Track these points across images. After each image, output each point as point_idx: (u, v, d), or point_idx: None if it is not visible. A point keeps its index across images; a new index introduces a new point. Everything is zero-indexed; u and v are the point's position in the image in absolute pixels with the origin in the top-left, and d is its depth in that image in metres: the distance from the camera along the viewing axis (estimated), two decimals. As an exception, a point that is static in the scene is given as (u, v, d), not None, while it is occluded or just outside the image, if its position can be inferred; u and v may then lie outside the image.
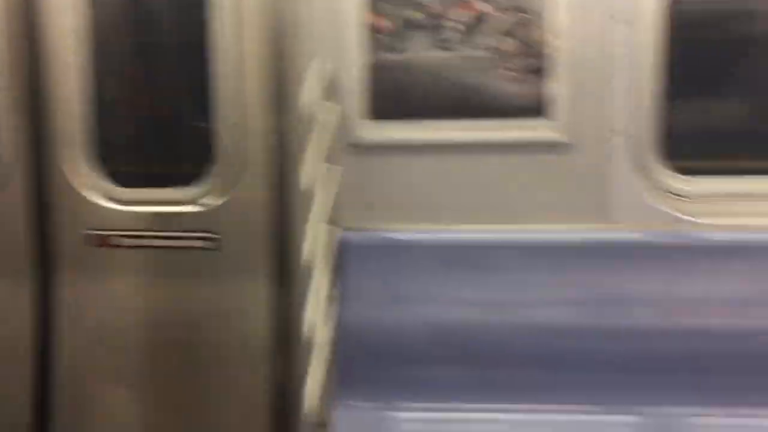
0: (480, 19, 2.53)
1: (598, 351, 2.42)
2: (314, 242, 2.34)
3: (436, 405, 2.40)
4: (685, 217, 2.51)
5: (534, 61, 2.51)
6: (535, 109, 2.53)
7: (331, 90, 2.55)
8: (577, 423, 2.35)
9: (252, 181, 2.62)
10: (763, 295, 2.41)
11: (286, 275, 2.62)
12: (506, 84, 2.53)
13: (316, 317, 2.30)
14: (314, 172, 2.36)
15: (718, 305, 2.43)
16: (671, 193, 2.55)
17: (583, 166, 2.53)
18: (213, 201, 2.69)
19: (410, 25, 2.55)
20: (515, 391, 2.40)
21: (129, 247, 2.71)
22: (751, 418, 2.30)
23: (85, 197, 2.72)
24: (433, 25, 2.55)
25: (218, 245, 2.68)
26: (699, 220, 2.51)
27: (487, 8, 2.53)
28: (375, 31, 2.56)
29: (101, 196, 2.74)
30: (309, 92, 2.34)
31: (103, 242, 2.72)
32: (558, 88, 2.50)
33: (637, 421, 2.35)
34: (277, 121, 2.60)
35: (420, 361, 2.45)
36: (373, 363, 2.46)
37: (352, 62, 2.56)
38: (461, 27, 2.54)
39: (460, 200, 2.59)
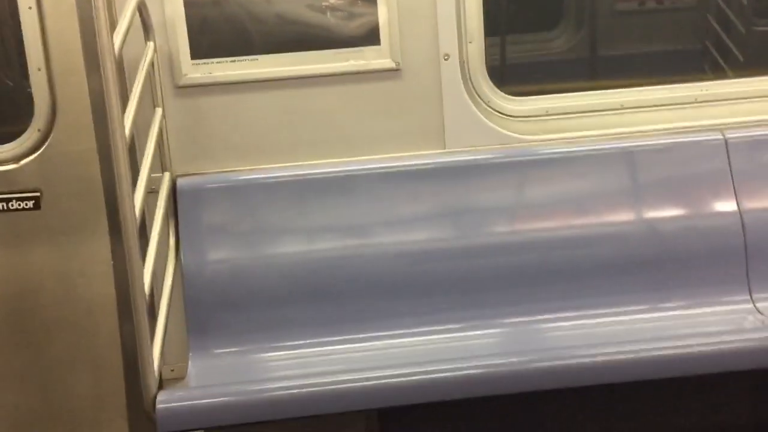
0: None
1: (455, 270, 2.48)
2: (147, 191, 2.23)
3: (295, 343, 2.38)
4: (517, 135, 2.60)
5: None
6: (364, 37, 2.50)
7: (150, 28, 2.39)
8: (442, 343, 2.40)
9: (68, 130, 2.43)
10: (590, 199, 2.56)
11: (121, 228, 2.48)
12: (334, 13, 2.48)
13: (162, 269, 2.21)
14: (139, 118, 2.22)
15: (554, 213, 2.55)
16: (501, 113, 2.62)
17: (416, 91, 2.54)
18: (29, 157, 2.48)
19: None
20: (378, 320, 2.42)
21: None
22: (598, 319, 2.45)
23: None
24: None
25: (41, 204, 2.49)
26: (529, 137, 2.61)
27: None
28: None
29: None
30: (125, 34, 2.18)
31: None
32: (386, 12, 2.48)
33: (501, 333, 2.43)
34: (92, 65, 2.41)
35: (274, 301, 2.42)
36: (225, 308, 2.40)
37: (171, 1, 2.40)
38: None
39: (296, 135, 2.55)
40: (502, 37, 3.57)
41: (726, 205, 2.56)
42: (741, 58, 3.75)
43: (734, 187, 2.56)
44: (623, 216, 2.57)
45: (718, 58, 3.84)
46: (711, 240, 2.54)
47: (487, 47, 2.63)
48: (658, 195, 2.58)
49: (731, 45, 3.82)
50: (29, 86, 2.43)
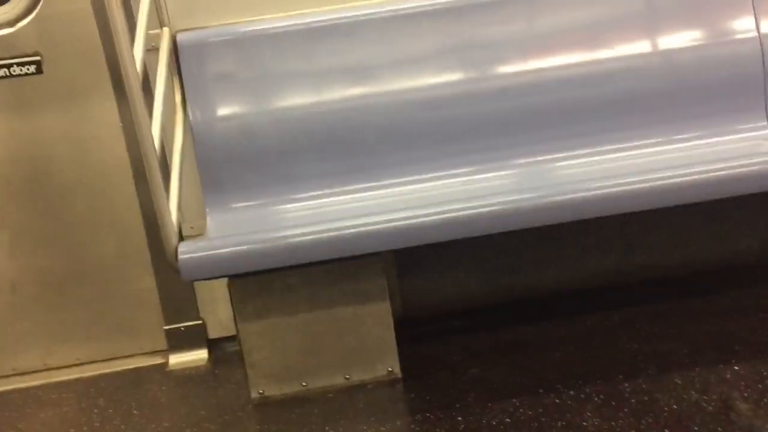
0: None
1: (466, 113, 2.43)
2: (147, 48, 2.18)
3: (311, 194, 2.38)
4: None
5: None
6: None
7: None
8: (456, 186, 2.39)
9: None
10: (601, 30, 2.47)
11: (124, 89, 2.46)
12: None
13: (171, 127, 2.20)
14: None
15: (564, 48, 2.47)
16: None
17: None
18: (24, 19, 2.43)
19: None
20: (390, 168, 2.41)
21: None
22: (613, 154, 2.43)
23: None
24: None
25: (42, 67, 2.46)
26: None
27: None
28: None
29: None
30: None
31: None
32: None
33: (515, 173, 2.41)
34: None
35: (286, 154, 2.40)
36: (238, 163, 2.40)
37: None
38: None
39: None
40: None
41: (745, 30, 2.45)
42: None
43: (754, 8, 2.45)
44: (636, 46, 2.48)
45: None
46: (729, 67, 2.46)
47: None
48: (671, 22, 2.48)
49: None
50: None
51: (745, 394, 2.11)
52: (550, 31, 2.49)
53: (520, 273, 2.66)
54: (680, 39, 2.49)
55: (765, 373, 2.17)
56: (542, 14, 2.50)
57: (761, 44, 2.44)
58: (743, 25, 2.46)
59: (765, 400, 2.08)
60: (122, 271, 2.65)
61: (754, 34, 2.45)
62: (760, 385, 2.13)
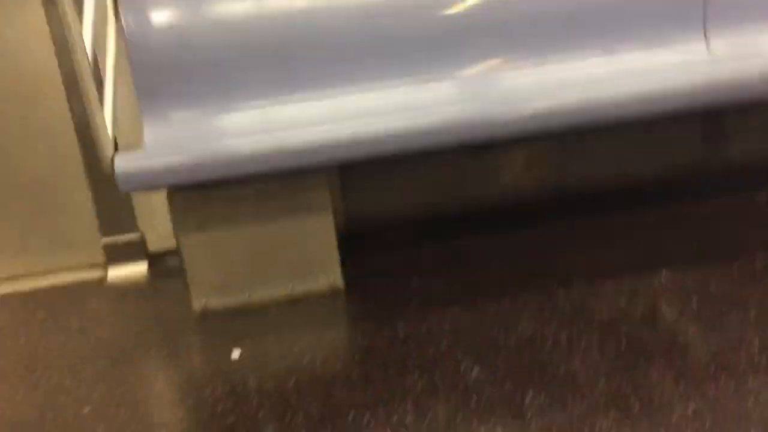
0: None
1: (412, 24, 2.36)
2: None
3: (252, 104, 2.31)
4: None
5: None
6: None
7: None
8: (401, 97, 2.33)
9: None
10: None
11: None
12: None
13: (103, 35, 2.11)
14: None
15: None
16: None
17: None
18: None
19: None
20: (333, 78, 2.32)
21: None
22: (553, 65, 2.41)
23: None
24: None
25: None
26: None
27: None
28: None
29: None
30: None
31: None
32: None
33: (457, 85, 2.36)
34: None
35: (225, 63, 2.31)
36: (175, 72, 2.30)
37: None
38: None
39: None
40: None
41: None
42: None
43: None
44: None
45: None
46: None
47: None
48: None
49: None
50: None
51: (671, 301, 2.22)
52: None
53: (462, 187, 2.69)
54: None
55: (689, 282, 2.29)
56: None
57: None
58: None
59: (689, 306, 2.20)
60: (56, 183, 2.59)
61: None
62: (684, 293, 2.25)
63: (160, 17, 2.34)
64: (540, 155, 2.69)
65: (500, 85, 2.41)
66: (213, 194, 2.24)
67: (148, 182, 2.10)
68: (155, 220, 2.65)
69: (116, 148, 2.10)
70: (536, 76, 2.40)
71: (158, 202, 2.53)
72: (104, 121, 2.05)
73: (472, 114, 2.20)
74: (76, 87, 2.26)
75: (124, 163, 2.04)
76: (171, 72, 2.33)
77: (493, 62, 2.43)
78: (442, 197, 2.70)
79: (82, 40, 1.98)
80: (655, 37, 2.46)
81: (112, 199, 2.58)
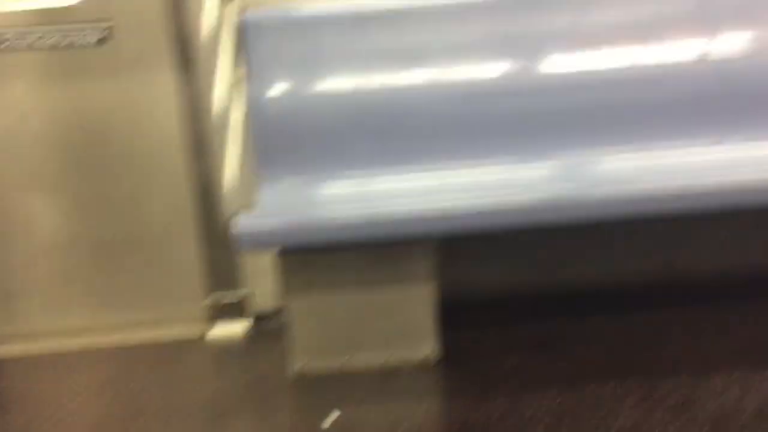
0: None
1: (514, 106, 2.46)
2: (214, 20, 2.22)
3: (360, 172, 2.42)
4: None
5: None
6: None
7: None
8: (502, 174, 2.41)
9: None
10: (653, 29, 2.48)
11: (189, 61, 2.51)
12: None
13: (225, 99, 2.24)
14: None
15: (615, 46, 2.49)
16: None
17: None
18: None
19: None
20: (434, 154, 2.43)
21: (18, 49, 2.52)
22: (661, 151, 2.43)
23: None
24: None
25: (108, 37, 2.52)
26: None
27: None
28: None
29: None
30: None
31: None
32: None
33: (561, 166, 2.42)
34: None
35: (337, 134, 2.44)
36: (291, 138, 2.44)
37: None
38: None
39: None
40: None
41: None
42: None
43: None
44: (686, 51, 2.48)
45: None
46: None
47: None
48: (724, 23, 2.48)
49: None
50: None
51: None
52: (600, 27, 2.51)
53: (565, 266, 2.67)
54: (731, 42, 2.49)
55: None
56: (590, 11, 2.51)
57: None
58: None
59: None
60: (170, 240, 2.70)
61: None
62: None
63: (283, 88, 2.49)
64: (647, 240, 2.66)
65: (601, 167, 2.44)
66: (319, 258, 2.30)
67: (262, 242, 2.18)
68: (258, 281, 2.73)
69: (234, 210, 2.19)
70: (640, 161, 2.41)
71: (263, 263, 2.62)
72: (227, 184, 2.15)
73: (572, 193, 2.22)
74: (196, 150, 2.40)
75: (242, 225, 2.13)
76: (288, 140, 2.46)
77: (594, 145, 2.46)
78: (544, 275, 2.69)
79: (214, 104, 2.11)
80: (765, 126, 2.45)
81: (220, 258, 2.67)
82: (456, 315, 2.56)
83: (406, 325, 2.37)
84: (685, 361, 2.30)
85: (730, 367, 2.25)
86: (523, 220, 2.20)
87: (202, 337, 2.70)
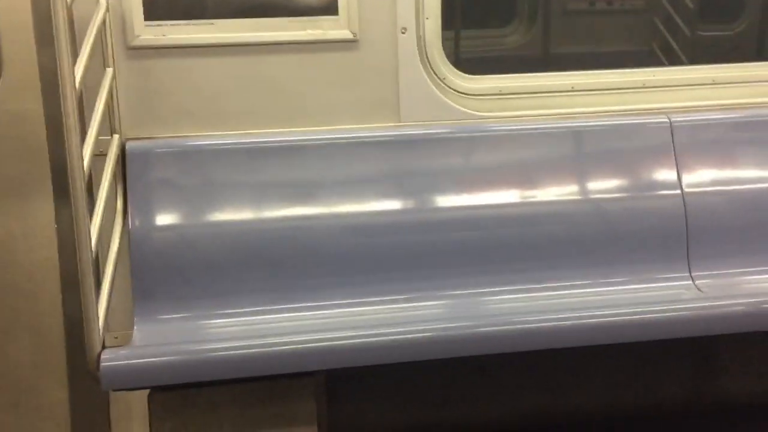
0: None
1: (404, 242, 2.49)
2: (95, 154, 2.19)
3: (244, 310, 2.35)
4: (470, 111, 2.63)
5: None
6: (322, 6, 2.50)
7: (104, -13, 2.35)
8: (390, 312, 2.40)
9: (13, 89, 2.37)
10: (538, 176, 2.60)
11: (67, 191, 2.43)
12: (292, -20, 2.47)
13: (108, 233, 2.18)
14: (89, 77, 2.18)
15: (502, 189, 2.59)
16: (456, 90, 2.65)
17: (373, 63, 2.55)
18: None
19: None
20: (326, 289, 2.41)
21: None
22: (542, 292, 2.49)
23: None
24: None
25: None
26: (482, 113, 2.64)
27: None
28: None
29: None
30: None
31: None
32: (345, -17, 2.48)
33: (448, 303, 2.44)
34: (41, 21, 2.36)
35: (222, 268, 2.38)
36: (173, 274, 2.36)
37: (126, -44, 2.37)
38: None
39: (251, 103, 2.53)
40: (456, 25, 3.63)
41: (669, 186, 2.62)
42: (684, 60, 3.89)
43: (677, 169, 2.63)
44: (570, 193, 2.62)
45: (663, 59, 3.98)
46: (653, 219, 2.61)
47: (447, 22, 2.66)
48: (604, 174, 2.64)
49: (676, 48, 3.95)
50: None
51: None
52: (491, 173, 2.62)
53: (450, 406, 2.62)
54: (610, 190, 2.64)
55: None
56: (485, 158, 2.63)
57: (684, 201, 2.61)
58: (667, 182, 2.63)
59: None
60: (35, 380, 2.51)
61: (678, 190, 2.62)
62: None
63: (164, 221, 2.44)
64: (533, 377, 2.66)
65: (490, 305, 2.47)
66: (196, 398, 2.18)
67: (131, 381, 2.05)
68: (130, 426, 2.54)
69: (104, 345, 2.07)
70: (525, 300, 2.47)
71: (136, 406, 2.45)
72: (97, 318, 2.04)
73: (457, 329, 2.23)
74: (71, 283, 2.27)
75: (109, 361, 2.00)
76: (168, 275, 2.38)
77: (481, 283, 2.50)
78: (430, 415, 2.62)
79: (89, 237, 2.03)
80: (642, 269, 2.56)
81: (89, 402, 2.49)
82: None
83: (287, 472, 2.24)
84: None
85: None
86: (407, 355, 2.17)
87: (64, 488, 2.47)
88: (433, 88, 2.61)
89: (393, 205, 2.55)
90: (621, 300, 2.46)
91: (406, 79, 2.58)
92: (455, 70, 2.66)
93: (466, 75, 2.68)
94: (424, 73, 2.59)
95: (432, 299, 2.45)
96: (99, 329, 2.03)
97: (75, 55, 2.16)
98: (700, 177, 2.65)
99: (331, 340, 2.12)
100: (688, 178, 2.63)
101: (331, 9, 2.50)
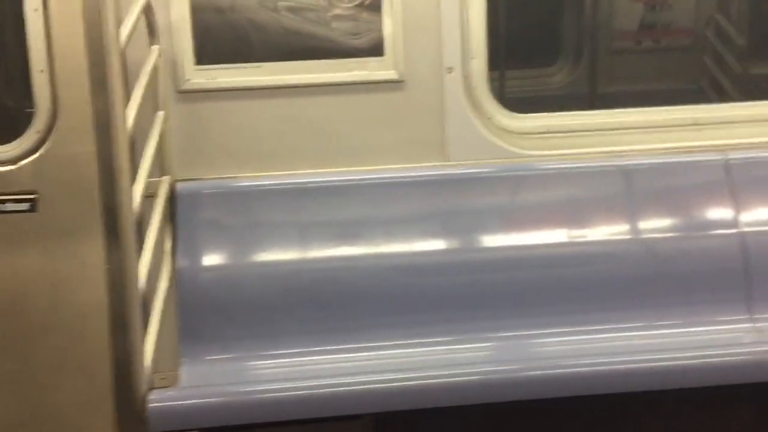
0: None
1: (450, 283, 2.46)
2: (145, 195, 2.21)
3: (289, 351, 2.34)
4: (517, 150, 2.61)
5: (364, -2, 2.50)
6: (368, 48, 2.52)
7: (155, 31, 2.40)
8: (436, 354, 2.36)
9: (68, 132, 2.42)
10: (588, 215, 2.55)
11: (118, 234, 2.46)
12: (339, 22, 2.50)
13: (156, 274, 2.20)
14: (140, 120, 2.22)
15: (551, 229, 2.54)
16: (503, 129, 2.63)
17: (419, 103, 2.55)
18: (27, 158, 2.47)
19: (235, -38, 2.46)
20: (371, 330, 2.38)
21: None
22: (593, 335, 2.42)
23: None
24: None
25: (36, 206, 2.47)
26: (529, 152, 2.61)
27: (314, -55, 2.48)
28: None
29: None
30: (130, 34, 2.19)
31: None
32: (391, 25, 2.50)
33: (495, 345, 2.39)
34: (96, 66, 2.42)
35: (268, 309, 2.38)
36: (219, 315, 2.37)
37: (177, 2, 2.42)
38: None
39: (297, 144, 2.55)
40: (502, 64, 3.62)
41: (726, 225, 2.55)
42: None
43: (735, 208, 2.56)
44: (621, 233, 2.56)
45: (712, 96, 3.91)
46: (710, 260, 2.53)
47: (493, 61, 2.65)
48: (656, 213, 2.58)
49: (726, 85, 3.88)
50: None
51: None
52: (539, 212, 2.58)
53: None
54: (663, 229, 2.57)
55: None
56: (532, 197, 2.60)
57: (743, 240, 2.52)
58: (724, 221, 2.56)
59: None
60: (83, 421, 2.51)
61: (735, 229, 2.54)
62: None
63: (212, 262, 2.45)
64: (581, 419, 2.58)
65: (538, 348, 2.41)
66: (241, 440, 2.16)
67: (178, 423, 2.04)
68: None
69: (151, 386, 2.07)
70: (575, 343, 2.40)
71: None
72: (143, 359, 2.04)
73: (505, 372, 2.19)
74: (119, 324, 2.29)
75: (156, 402, 2.00)
76: (214, 316, 2.39)
77: (530, 325, 2.45)
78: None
79: (138, 278, 2.04)
80: (697, 311, 2.48)
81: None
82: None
83: None
84: None
85: None
86: (456, 399, 2.13)
87: None
88: (480, 127, 2.59)
89: (439, 245, 2.53)
90: (675, 344, 2.37)
91: (452, 118, 2.57)
92: (501, 108, 2.65)
93: (514, 114, 2.67)
94: (471, 112, 2.58)
95: (477, 341, 2.40)
96: (146, 370, 2.03)
97: (127, 98, 2.21)
98: (759, 215, 2.57)
99: (378, 382, 2.09)
100: (746, 216, 2.55)
101: (377, 50, 2.52)
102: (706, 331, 2.43)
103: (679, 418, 2.56)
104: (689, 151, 2.66)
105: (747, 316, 2.46)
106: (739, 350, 2.22)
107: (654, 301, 2.49)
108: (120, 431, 2.50)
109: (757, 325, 2.44)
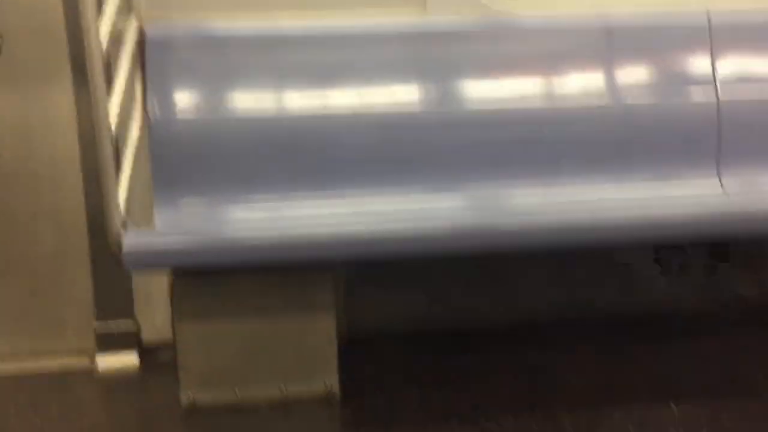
0: None
1: (425, 138, 2.44)
2: (113, 37, 2.14)
3: (262, 196, 2.33)
4: (498, 5, 2.53)
5: None
6: None
7: None
8: (409, 204, 2.38)
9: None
10: (567, 73, 2.53)
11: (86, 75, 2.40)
12: None
13: (123, 115, 2.15)
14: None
15: (529, 86, 2.52)
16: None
17: None
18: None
19: None
20: (346, 181, 2.37)
21: None
22: (567, 188, 2.45)
23: None
24: None
25: (1, 48, 2.40)
26: (511, 7, 2.54)
27: None
28: None
29: None
30: None
31: None
32: None
33: (469, 197, 2.41)
34: None
35: (241, 157, 2.36)
36: (192, 162, 2.34)
37: None
38: None
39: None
40: None
41: (704, 89, 2.53)
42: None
43: (713, 70, 2.53)
44: (600, 92, 2.52)
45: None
46: (684, 120, 2.53)
47: None
48: (636, 74, 2.54)
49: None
50: None
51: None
52: (518, 69, 2.53)
53: (469, 300, 2.64)
54: (641, 88, 2.55)
55: (701, 416, 2.19)
56: (512, 53, 2.53)
57: (718, 104, 2.52)
58: (702, 84, 2.53)
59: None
60: (58, 265, 2.55)
61: (712, 93, 2.52)
62: (695, 426, 2.15)
63: (184, 108, 2.40)
64: (551, 275, 2.67)
65: (511, 200, 2.43)
66: (216, 284, 2.21)
67: (153, 262, 2.07)
68: (152, 311, 2.60)
69: (125, 228, 2.09)
70: (547, 196, 2.43)
71: (157, 292, 2.49)
72: (117, 202, 2.04)
73: (477, 222, 2.21)
74: (92, 169, 2.27)
75: (132, 241, 2.02)
76: (188, 162, 2.37)
77: (502, 179, 2.46)
78: (449, 309, 2.66)
79: (108, 122, 2.01)
80: (669, 168, 2.50)
81: (112, 284, 2.53)
82: (357, 349, 2.49)
83: (304, 356, 2.28)
84: (584, 398, 2.29)
85: (628, 405, 2.25)
86: (428, 248, 2.17)
87: (89, 368, 2.54)
88: None
89: (416, 98, 2.49)
90: (644, 200, 2.41)
91: None
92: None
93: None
94: None
95: (452, 194, 2.42)
96: (120, 212, 2.04)
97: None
98: (737, 79, 2.54)
99: (351, 230, 2.12)
100: (724, 79, 2.53)
101: None
102: (674, 185, 2.46)
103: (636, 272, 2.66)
104: (673, 11, 2.60)
105: (714, 172, 2.50)
106: (705, 210, 2.26)
107: (628, 159, 2.51)
108: (96, 277, 2.55)
109: (724, 184, 2.49)
